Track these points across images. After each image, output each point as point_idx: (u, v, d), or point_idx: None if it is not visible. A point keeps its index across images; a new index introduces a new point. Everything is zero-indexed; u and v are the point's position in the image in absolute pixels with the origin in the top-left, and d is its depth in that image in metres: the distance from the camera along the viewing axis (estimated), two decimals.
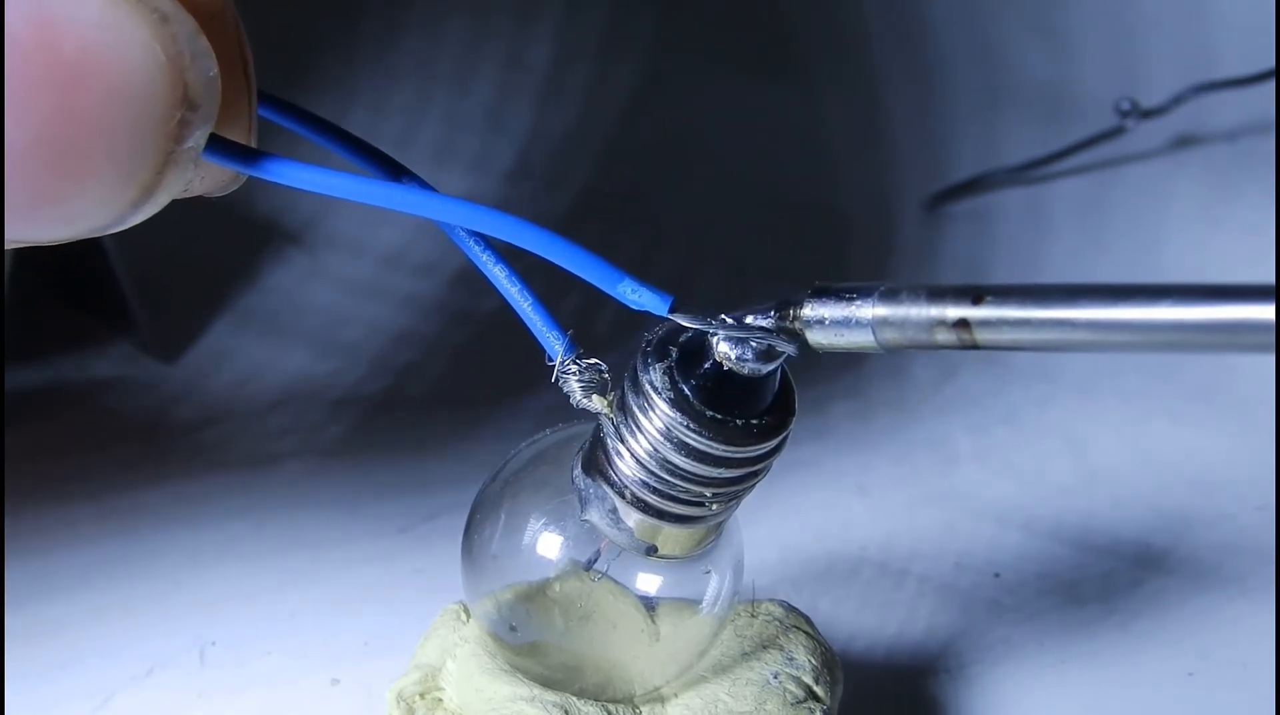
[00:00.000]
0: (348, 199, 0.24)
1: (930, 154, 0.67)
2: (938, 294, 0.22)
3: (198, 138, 0.22)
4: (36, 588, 0.39)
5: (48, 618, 0.38)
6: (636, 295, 0.25)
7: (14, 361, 0.49)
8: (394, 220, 0.57)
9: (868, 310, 0.23)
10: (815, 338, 0.24)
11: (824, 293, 0.24)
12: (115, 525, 0.42)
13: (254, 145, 0.25)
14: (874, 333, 0.23)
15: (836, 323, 0.24)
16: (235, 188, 0.26)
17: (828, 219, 0.65)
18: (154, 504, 0.44)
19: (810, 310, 0.24)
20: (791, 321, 0.24)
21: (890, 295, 0.23)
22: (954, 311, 0.22)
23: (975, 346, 0.22)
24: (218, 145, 0.24)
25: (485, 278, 0.27)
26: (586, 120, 0.66)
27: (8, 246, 0.23)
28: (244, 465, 0.46)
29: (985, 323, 0.22)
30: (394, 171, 0.26)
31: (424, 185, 0.26)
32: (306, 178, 0.24)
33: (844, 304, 0.24)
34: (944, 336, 0.22)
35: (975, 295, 0.22)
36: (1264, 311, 0.19)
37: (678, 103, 0.68)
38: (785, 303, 0.25)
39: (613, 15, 0.70)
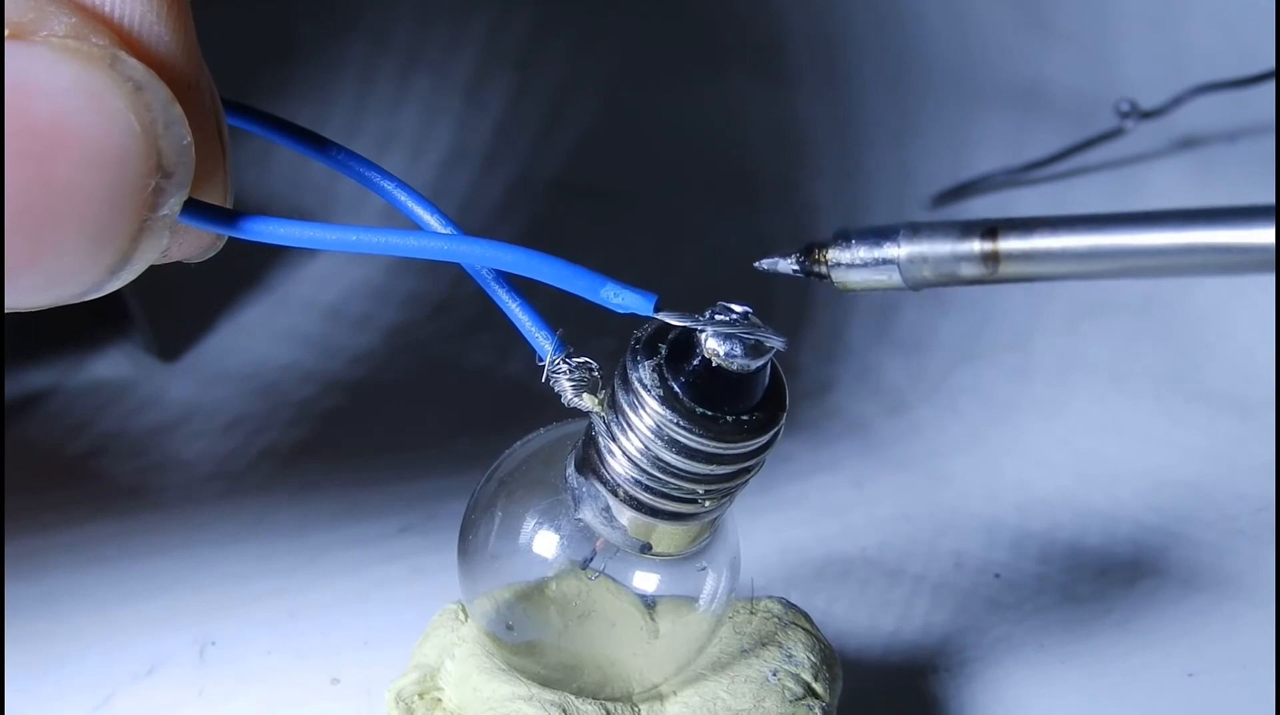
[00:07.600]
0: (328, 250, 0.25)
1: (930, 155, 0.67)
2: (965, 229, 0.23)
3: (172, 205, 0.23)
4: (37, 587, 0.39)
5: (48, 616, 0.38)
6: (619, 298, 0.25)
7: (14, 361, 0.49)
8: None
9: (894, 250, 0.24)
10: (842, 278, 0.25)
11: (849, 235, 0.24)
12: (116, 524, 0.42)
13: (230, 207, 0.25)
14: (900, 271, 0.24)
15: (864, 264, 0.24)
16: (214, 252, 0.26)
17: (828, 219, 0.65)
18: (155, 502, 0.44)
19: (837, 253, 0.24)
20: (818, 264, 0.25)
21: (914, 232, 0.23)
22: (980, 246, 0.22)
23: (1001, 280, 0.23)
24: (195, 209, 0.24)
25: (474, 280, 0.27)
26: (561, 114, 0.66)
27: None
28: (244, 464, 0.46)
29: (1011, 255, 0.22)
30: (320, 147, 0.27)
31: (403, 186, 0.27)
32: (285, 233, 0.24)
33: (870, 245, 0.24)
34: (970, 270, 0.23)
35: (993, 229, 0.22)
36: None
37: (655, 98, 0.67)
38: (810, 247, 0.25)
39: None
